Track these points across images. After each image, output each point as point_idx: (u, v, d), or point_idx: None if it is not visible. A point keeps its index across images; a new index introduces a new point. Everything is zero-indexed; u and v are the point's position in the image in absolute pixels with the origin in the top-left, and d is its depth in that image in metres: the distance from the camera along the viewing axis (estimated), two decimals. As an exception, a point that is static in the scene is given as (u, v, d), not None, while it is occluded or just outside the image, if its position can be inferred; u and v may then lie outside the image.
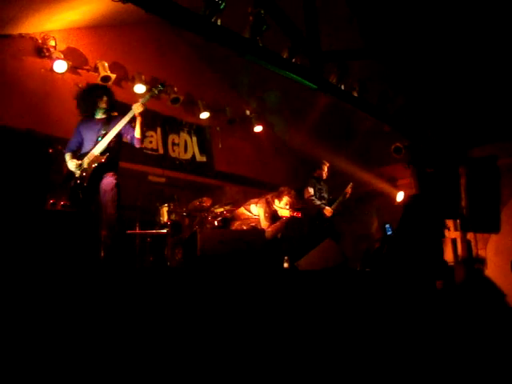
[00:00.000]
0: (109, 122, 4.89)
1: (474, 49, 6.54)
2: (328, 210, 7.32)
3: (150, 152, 7.84)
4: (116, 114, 5.04)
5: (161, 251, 6.47)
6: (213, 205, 6.89)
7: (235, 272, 3.77)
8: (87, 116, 5.00)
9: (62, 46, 6.62)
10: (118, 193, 4.70)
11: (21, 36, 6.29)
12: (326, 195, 7.54)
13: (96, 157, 4.72)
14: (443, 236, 7.19)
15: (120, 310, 2.74)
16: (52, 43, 6.42)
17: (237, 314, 3.18)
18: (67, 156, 4.87)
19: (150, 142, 7.88)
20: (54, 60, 6.39)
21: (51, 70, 6.42)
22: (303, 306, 3.62)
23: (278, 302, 3.51)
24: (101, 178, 4.70)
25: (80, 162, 4.73)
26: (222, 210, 6.71)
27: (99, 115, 4.98)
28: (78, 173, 4.70)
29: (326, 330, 3.55)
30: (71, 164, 4.75)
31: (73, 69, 6.70)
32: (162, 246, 6.52)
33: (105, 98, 4.96)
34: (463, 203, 7.60)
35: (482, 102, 7.12)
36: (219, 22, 4.63)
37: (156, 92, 5.13)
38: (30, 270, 2.67)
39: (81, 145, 4.92)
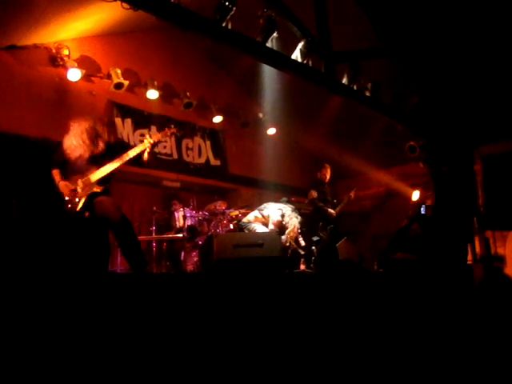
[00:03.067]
0: (107, 150, 4.53)
1: (489, 46, 6.47)
2: (331, 213, 7.31)
3: (164, 157, 7.89)
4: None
5: (177, 256, 6.51)
6: (228, 208, 6.92)
7: (251, 276, 3.77)
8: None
9: (76, 55, 6.69)
10: (112, 200, 4.41)
11: (35, 46, 6.37)
12: (329, 198, 7.52)
13: (92, 184, 4.37)
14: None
15: (137, 315, 2.76)
16: (65, 52, 6.51)
17: (254, 318, 3.18)
18: (56, 174, 4.44)
19: (164, 147, 7.93)
20: (68, 69, 6.48)
21: (65, 78, 6.51)
22: (319, 309, 3.61)
23: (294, 305, 3.50)
24: (92, 203, 4.36)
25: (74, 187, 4.34)
26: (237, 213, 6.74)
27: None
28: (69, 198, 4.32)
29: (342, 333, 3.53)
30: (63, 187, 4.35)
31: (86, 77, 6.78)
32: (178, 250, 6.55)
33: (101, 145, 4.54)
34: (480, 201, 7.52)
35: (497, 98, 7.04)
36: (230, 26, 4.64)
37: (168, 134, 4.94)
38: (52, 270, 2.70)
39: (68, 161, 4.48)
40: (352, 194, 7.66)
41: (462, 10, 6.20)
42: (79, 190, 4.35)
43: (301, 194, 8.51)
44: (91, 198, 4.37)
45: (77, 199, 4.33)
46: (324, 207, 7.28)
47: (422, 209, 7.48)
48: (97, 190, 4.40)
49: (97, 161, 4.46)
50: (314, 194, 7.31)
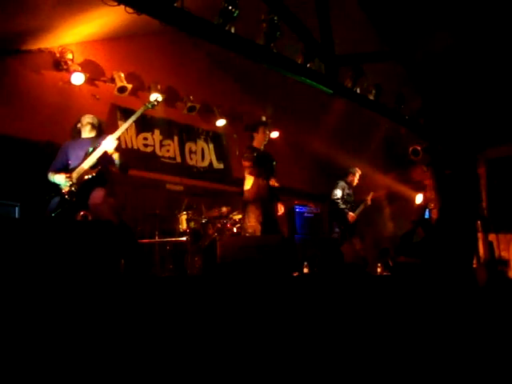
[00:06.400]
0: (97, 139, 4.70)
1: (492, 49, 6.46)
2: (351, 216, 7.32)
3: (167, 160, 7.90)
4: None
5: (180, 259, 6.50)
6: (231, 211, 6.91)
7: (255, 279, 3.77)
8: (73, 138, 4.84)
9: (79, 59, 6.72)
10: (110, 202, 4.46)
11: (40, 50, 6.40)
12: (351, 201, 7.54)
13: (86, 171, 4.48)
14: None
15: (141, 318, 2.76)
16: (69, 56, 6.53)
17: (256, 321, 3.18)
18: (51, 174, 4.59)
19: (168, 151, 7.94)
20: (72, 73, 6.51)
21: (69, 82, 6.53)
22: (322, 312, 3.61)
23: (297, 308, 3.50)
24: (89, 194, 4.44)
25: (69, 174, 4.47)
26: (240, 216, 6.72)
27: (86, 134, 4.80)
28: (66, 187, 4.44)
29: (345, 338, 3.52)
30: (59, 177, 4.49)
31: (90, 80, 6.80)
32: (181, 253, 6.55)
33: (88, 121, 4.80)
34: (484, 204, 7.50)
35: (501, 101, 7.04)
36: (233, 30, 4.65)
37: (149, 106, 5.07)
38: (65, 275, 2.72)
39: (65, 165, 4.65)
40: (369, 199, 7.67)
41: (465, 12, 6.20)
42: (74, 180, 4.42)
43: (304, 196, 8.52)
44: (87, 184, 4.44)
45: (72, 188, 4.41)
46: (345, 210, 7.30)
47: (425, 213, 7.49)
48: (92, 173, 4.46)
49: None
50: (339, 194, 7.33)
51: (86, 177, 4.46)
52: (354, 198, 7.64)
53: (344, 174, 7.64)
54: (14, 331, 2.33)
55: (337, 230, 7.33)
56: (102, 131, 4.90)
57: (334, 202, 7.33)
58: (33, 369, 2.29)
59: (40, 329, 2.41)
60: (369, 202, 7.65)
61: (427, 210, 7.51)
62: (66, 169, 4.59)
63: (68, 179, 4.42)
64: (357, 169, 7.66)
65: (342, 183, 7.51)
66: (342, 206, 7.30)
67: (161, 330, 2.78)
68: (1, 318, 2.30)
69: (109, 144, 4.53)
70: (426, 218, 7.48)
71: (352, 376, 3.19)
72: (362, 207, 7.57)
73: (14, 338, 2.32)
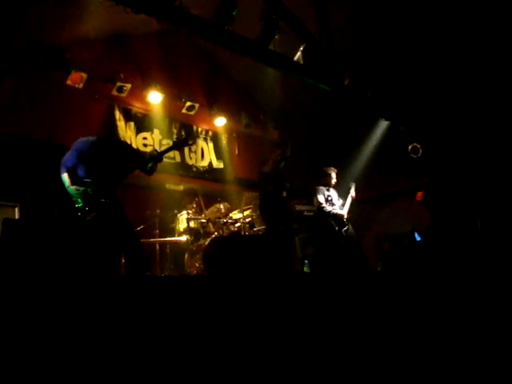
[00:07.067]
0: (110, 145, 4.56)
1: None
2: (341, 215, 7.24)
3: (167, 160, 7.89)
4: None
5: (180, 258, 6.51)
6: (231, 211, 6.91)
7: (254, 277, 3.77)
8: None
9: (79, 58, 6.71)
10: (116, 204, 4.42)
11: (40, 50, 6.39)
12: (336, 201, 7.43)
13: (101, 193, 4.35)
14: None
15: (140, 317, 2.76)
16: (69, 56, 6.53)
17: (257, 320, 3.18)
18: (66, 177, 4.38)
19: (167, 150, 7.94)
20: (71, 72, 6.51)
21: (69, 81, 6.53)
22: (324, 310, 3.61)
23: (297, 306, 3.50)
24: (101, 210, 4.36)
25: (84, 188, 4.32)
26: (240, 215, 6.73)
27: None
28: (79, 202, 4.32)
29: (346, 337, 3.52)
30: (74, 191, 4.33)
31: (89, 80, 6.78)
32: (181, 253, 6.55)
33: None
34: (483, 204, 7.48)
35: (497, 106, 7.03)
36: (231, 29, 4.66)
37: (179, 148, 4.84)
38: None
39: (77, 165, 4.45)
40: (353, 192, 7.56)
41: (467, 20, 6.20)
42: (89, 197, 4.30)
43: (304, 195, 8.51)
44: (101, 206, 4.34)
45: (87, 208, 4.30)
46: (332, 211, 7.18)
47: (416, 236, 7.42)
48: (107, 199, 4.35)
49: (109, 167, 4.46)
50: (321, 199, 7.22)
51: (102, 199, 4.34)
52: (339, 196, 7.52)
53: (320, 177, 7.50)
54: (17, 327, 2.34)
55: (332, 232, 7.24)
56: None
57: (319, 208, 7.23)
58: (33, 363, 2.29)
59: (41, 328, 2.41)
60: (353, 194, 7.52)
61: (416, 233, 7.44)
62: (75, 171, 4.41)
63: (84, 196, 4.30)
64: (332, 168, 7.48)
65: (319, 188, 7.35)
66: (329, 209, 7.17)
67: (160, 330, 2.78)
68: (4, 313, 2.31)
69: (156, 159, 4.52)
70: (418, 241, 7.42)
71: (351, 372, 3.19)
72: (348, 202, 7.45)
73: (16, 335, 2.32)
